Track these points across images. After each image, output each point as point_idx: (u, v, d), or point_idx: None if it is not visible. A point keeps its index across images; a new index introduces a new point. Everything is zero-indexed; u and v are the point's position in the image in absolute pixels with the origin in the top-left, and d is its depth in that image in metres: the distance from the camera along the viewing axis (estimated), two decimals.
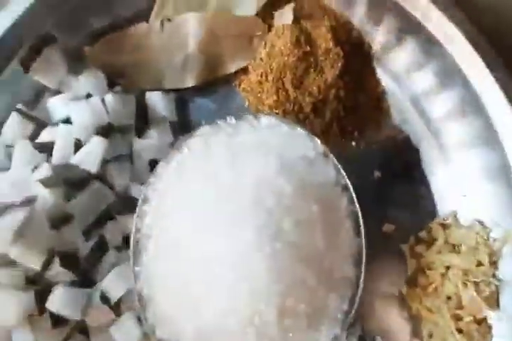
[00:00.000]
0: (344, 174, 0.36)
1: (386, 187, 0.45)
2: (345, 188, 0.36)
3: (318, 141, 0.36)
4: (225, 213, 0.30)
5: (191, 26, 0.43)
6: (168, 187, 0.35)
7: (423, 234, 0.44)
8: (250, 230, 0.29)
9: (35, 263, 0.35)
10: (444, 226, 0.44)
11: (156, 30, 0.44)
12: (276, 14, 0.44)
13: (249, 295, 0.29)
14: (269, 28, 0.44)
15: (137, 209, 0.36)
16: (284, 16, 0.43)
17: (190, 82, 0.45)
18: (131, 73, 0.44)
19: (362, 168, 0.45)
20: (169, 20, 0.44)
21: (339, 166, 0.36)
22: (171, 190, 0.35)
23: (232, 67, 0.45)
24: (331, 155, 0.36)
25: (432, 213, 0.44)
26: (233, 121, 0.36)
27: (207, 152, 0.35)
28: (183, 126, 0.45)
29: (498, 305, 0.40)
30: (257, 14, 0.44)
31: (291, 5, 0.43)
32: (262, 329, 0.31)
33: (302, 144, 0.35)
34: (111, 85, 0.43)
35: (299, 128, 0.36)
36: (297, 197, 0.32)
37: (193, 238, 0.32)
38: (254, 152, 0.33)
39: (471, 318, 0.39)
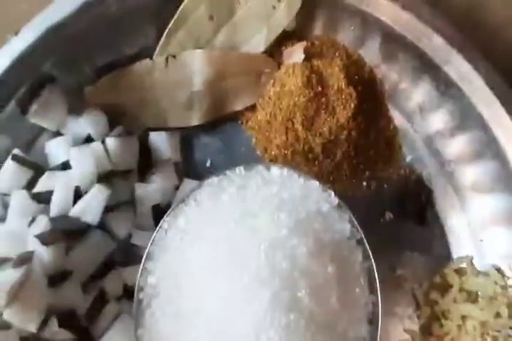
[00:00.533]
0: (358, 227, 0.35)
1: (398, 229, 0.43)
2: (360, 241, 0.35)
3: (332, 193, 0.34)
4: (237, 278, 0.28)
5: (197, 63, 0.41)
6: (175, 245, 0.33)
7: (437, 279, 0.43)
8: (265, 300, 0.27)
9: (30, 326, 0.33)
10: (460, 272, 0.42)
11: (160, 67, 0.42)
12: (286, 52, 0.42)
13: None
14: (279, 65, 0.43)
15: (141, 266, 0.34)
16: (295, 55, 0.41)
17: (195, 121, 0.43)
18: (134, 112, 0.42)
19: (373, 209, 0.44)
20: (174, 57, 0.42)
21: (353, 219, 0.35)
22: (178, 247, 0.33)
23: (238, 106, 0.43)
24: (346, 208, 0.35)
25: (447, 257, 0.43)
26: (242, 171, 0.35)
27: (215, 207, 0.33)
28: (188, 166, 0.43)
29: None
30: (265, 51, 0.43)
31: (303, 43, 0.41)
32: None
33: (316, 197, 0.34)
34: (112, 126, 0.41)
35: (312, 180, 0.34)
36: (312, 259, 0.30)
37: (202, 304, 0.30)
38: (266, 208, 0.32)
39: None
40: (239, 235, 0.30)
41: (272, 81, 0.42)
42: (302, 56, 0.41)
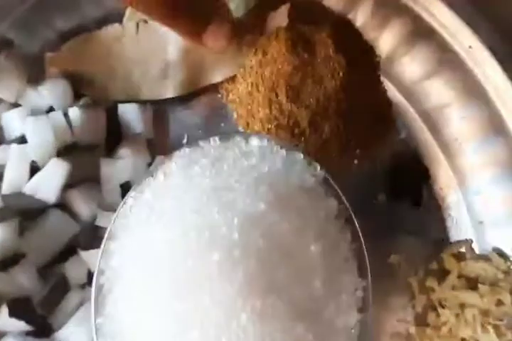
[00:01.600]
0: (347, 204, 0.31)
1: (392, 211, 0.40)
2: (349, 220, 0.31)
3: (318, 167, 0.31)
4: (208, 261, 0.25)
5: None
6: (140, 223, 0.29)
7: (434, 265, 0.39)
8: (237, 282, 0.24)
9: None
10: (458, 257, 0.39)
11: (131, 34, 0.38)
12: (270, 16, 0.39)
13: None
14: (261, 32, 0.39)
15: (102, 246, 0.30)
16: (278, 18, 0.37)
17: (170, 93, 0.39)
18: (102, 83, 0.38)
19: (365, 190, 0.40)
20: (146, 22, 0.38)
21: (342, 195, 0.31)
22: (143, 226, 0.29)
23: (217, 77, 0.39)
24: (333, 183, 0.31)
25: (444, 242, 0.39)
26: (218, 142, 0.31)
27: (186, 181, 0.29)
28: (162, 144, 0.40)
29: None
30: (248, 16, 0.39)
31: (287, 5, 0.38)
32: None
33: (299, 171, 0.30)
34: (77, 97, 0.38)
35: (296, 152, 0.31)
36: (293, 237, 0.26)
37: (169, 288, 0.26)
38: (242, 181, 0.28)
39: None
40: (211, 210, 0.27)
41: (254, 49, 0.39)
42: (286, 19, 0.37)
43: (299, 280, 0.26)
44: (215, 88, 0.40)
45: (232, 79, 0.40)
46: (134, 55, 0.38)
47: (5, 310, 0.30)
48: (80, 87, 0.38)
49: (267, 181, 0.29)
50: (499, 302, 0.36)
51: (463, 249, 0.39)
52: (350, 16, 0.39)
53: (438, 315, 0.38)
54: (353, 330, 0.30)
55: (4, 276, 0.31)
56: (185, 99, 0.40)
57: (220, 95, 0.40)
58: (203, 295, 0.25)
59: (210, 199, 0.27)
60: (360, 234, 0.31)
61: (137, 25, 0.38)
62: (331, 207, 0.30)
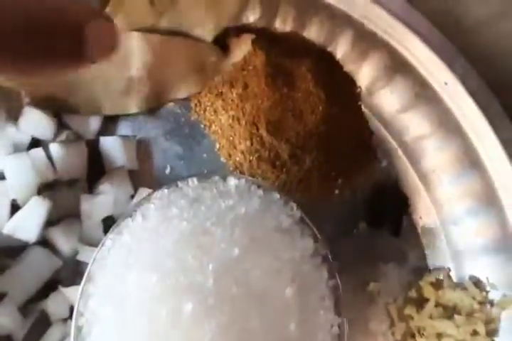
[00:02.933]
0: (324, 242, 0.32)
1: (372, 239, 0.41)
2: (325, 258, 0.32)
3: (295, 206, 0.31)
4: (182, 310, 0.25)
5: (136, 46, 0.37)
6: (118, 265, 0.29)
7: (412, 293, 0.40)
8: (210, 333, 0.24)
9: None
10: (436, 285, 0.40)
11: None
12: (233, 41, 0.39)
13: None
14: (227, 54, 0.39)
15: (80, 288, 0.30)
16: (242, 44, 0.37)
17: (134, 108, 0.40)
18: (62, 96, 0.37)
19: (346, 220, 0.41)
20: None
21: (317, 234, 0.32)
22: (121, 268, 0.29)
23: (181, 94, 0.40)
24: (309, 222, 0.32)
25: (423, 269, 0.40)
26: (195, 182, 0.31)
27: (164, 224, 0.29)
28: (145, 174, 0.40)
29: None
30: (217, 39, 0.39)
31: (251, 35, 0.37)
32: None
33: (276, 212, 0.30)
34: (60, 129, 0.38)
35: (273, 192, 0.31)
36: (269, 281, 0.27)
37: (145, 334, 0.26)
38: (219, 225, 0.28)
39: None
40: (187, 255, 0.27)
41: (234, 82, 0.38)
42: (250, 47, 0.37)
43: (273, 326, 0.26)
44: (196, 119, 0.40)
45: (214, 111, 0.40)
46: (96, 70, 0.38)
47: None
48: (41, 104, 0.36)
49: (243, 224, 0.29)
50: (474, 333, 0.37)
51: (441, 277, 0.40)
52: (330, 49, 0.40)
53: None
54: None
55: None
56: (168, 129, 0.40)
57: (203, 126, 0.41)
58: None
59: (187, 243, 0.28)
60: (336, 272, 0.31)
61: None
62: (307, 247, 0.30)
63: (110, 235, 0.30)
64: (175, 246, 0.28)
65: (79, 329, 0.30)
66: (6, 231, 0.32)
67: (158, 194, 0.31)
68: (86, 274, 0.30)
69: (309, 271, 0.30)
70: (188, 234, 0.28)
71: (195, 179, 0.31)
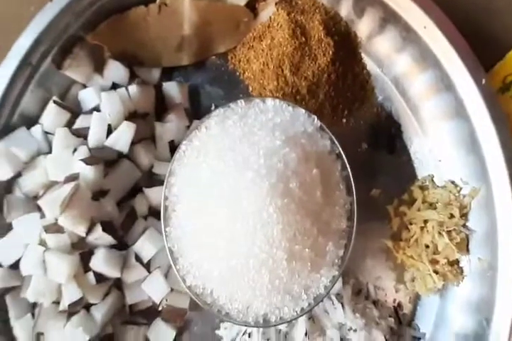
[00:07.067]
0: (338, 144, 0.43)
1: (372, 157, 0.53)
2: (339, 156, 0.43)
3: (316, 118, 0.43)
4: (243, 177, 0.37)
5: (186, 11, 0.49)
6: (191, 162, 0.41)
7: (405, 196, 0.52)
8: (265, 188, 0.36)
9: (80, 229, 0.42)
10: (423, 188, 0.52)
11: (154, 14, 0.49)
12: (260, 5, 0.50)
13: (264, 241, 0.37)
14: (255, 15, 0.50)
15: (165, 181, 0.42)
16: (268, 7, 0.49)
17: (185, 61, 0.51)
18: (132, 52, 0.49)
19: (351, 141, 0.52)
20: (166, 4, 0.49)
21: (333, 138, 0.43)
22: (193, 163, 0.41)
23: (221, 48, 0.51)
24: (327, 129, 0.43)
25: (413, 178, 0.52)
26: (243, 103, 0.43)
27: (223, 130, 0.41)
28: (196, 111, 0.52)
29: (467, 250, 0.48)
30: (247, 3, 0.50)
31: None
32: (274, 270, 0.38)
33: (302, 121, 0.42)
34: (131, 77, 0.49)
35: (299, 108, 0.43)
36: (300, 163, 0.39)
37: (217, 199, 0.38)
38: (263, 129, 0.40)
39: (446, 261, 0.47)
40: (242, 147, 0.39)
41: (253, 30, 0.50)
42: (273, 9, 0.49)
43: (305, 190, 0.38)
44: (234, 69, 0.51)
45: (247, 61, 0.51)
46: (157, 31, 0.49)
47: (99, 228, 0.43)
48: (116, 55, 0.47)
49: (280, 128, 0.41)
50: (451, 216, 0.49)
51: (427, 182, 0.52)
52: (336, 8, 0.51)
53: (408, 231, 0.51)
54: (343, 233, 0.42)
55: (97, 204, 0.43)
56: (210, 78, 0.52)
57: (238, 74, 0.52)
58: (241, 200, 0.37)
59: (242, 141, 0.40)
60: (347, 165, 0.43)
61: (159, 7, 0.49)
62: (325, 146, 0.42)
63: (183, 142, 0.42)
64: (233, 144, 0.39)
65: (165, 208, 0.42)
66: (107, 143, 0.44)
67: (216, 112, 0.43)
68: (168, 170, 0.42)
69: (327, 162, 0.42)
70: (242, 136, 0.40)
71: (242, 101, 0.42)
